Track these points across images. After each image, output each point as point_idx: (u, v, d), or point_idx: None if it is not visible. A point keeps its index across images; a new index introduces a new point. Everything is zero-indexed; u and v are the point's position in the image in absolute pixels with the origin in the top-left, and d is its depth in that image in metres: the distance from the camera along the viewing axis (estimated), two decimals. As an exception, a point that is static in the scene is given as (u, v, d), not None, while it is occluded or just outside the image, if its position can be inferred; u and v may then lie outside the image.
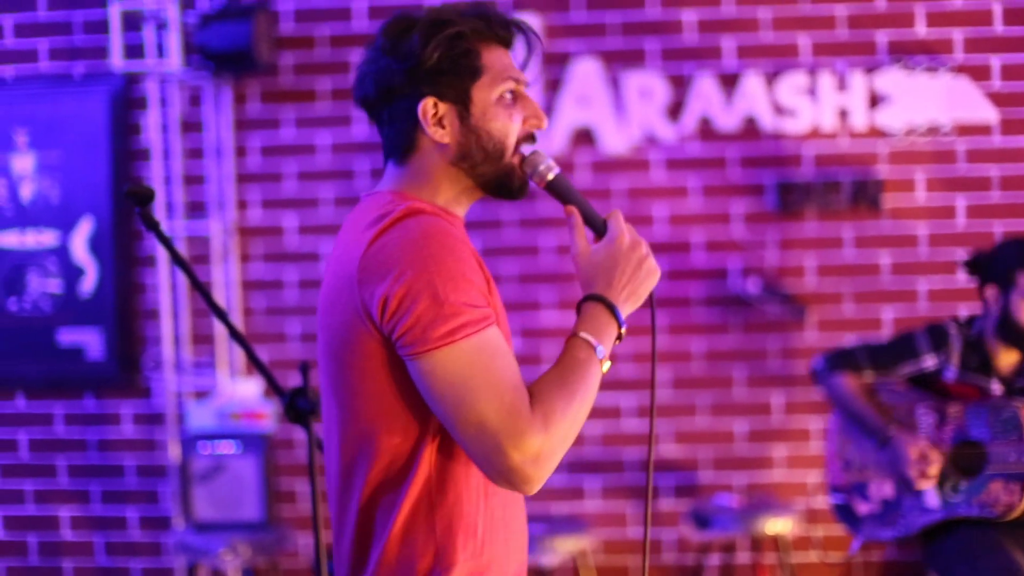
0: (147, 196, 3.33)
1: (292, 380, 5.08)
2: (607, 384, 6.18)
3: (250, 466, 6.03)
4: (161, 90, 6.43)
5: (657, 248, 6.14)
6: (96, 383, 6.53)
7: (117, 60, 6.20)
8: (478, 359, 2.38)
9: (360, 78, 2.63)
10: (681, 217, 6.26)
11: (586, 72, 6.23)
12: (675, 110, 6.24)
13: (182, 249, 6.37)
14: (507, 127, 2.59)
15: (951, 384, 4.90)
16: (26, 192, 6.53)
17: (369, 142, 6.37)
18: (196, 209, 6.48)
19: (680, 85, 6.24)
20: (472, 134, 2.57)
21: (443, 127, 2.57)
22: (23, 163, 6.52)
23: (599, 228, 2.61)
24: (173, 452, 6.36)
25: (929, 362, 4.92)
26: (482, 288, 2.44)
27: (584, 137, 6.28)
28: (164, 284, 6.42)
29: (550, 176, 2.62)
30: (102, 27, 6.40)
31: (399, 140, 2.61)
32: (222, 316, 3.48)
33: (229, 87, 6.41)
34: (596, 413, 6.23)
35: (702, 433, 6.28)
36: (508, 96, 2.60)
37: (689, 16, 6.23)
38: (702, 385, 6.27)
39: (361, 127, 6.36)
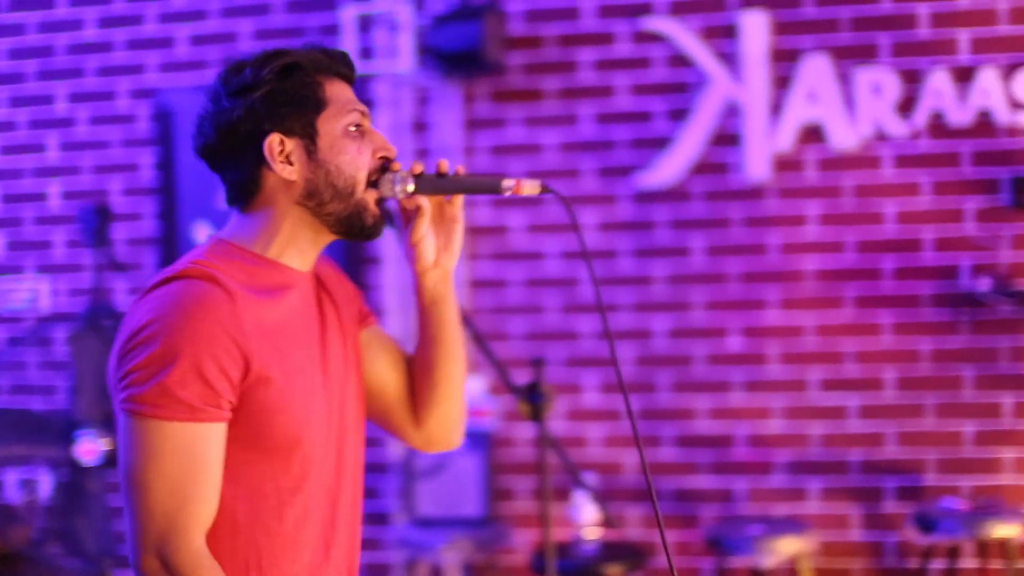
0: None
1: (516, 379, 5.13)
2: (832, 384, 6.17)
3: (473, 463, 6.10)
4: (391, 91, 6.55)
5: (886, 246, 6.11)
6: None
7: (350, 62, 6.29)
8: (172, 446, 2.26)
9: (199, 125, 2.50)
10: (911, 214, 6.15)
11: (816, 68, 6.17)
12: (906, 105, 6.14)
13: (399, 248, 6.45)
14: (356, 160, 2.47)
15: None
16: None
17: (596, 141, 6.39)
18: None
19: (912, 80, 6.14)
20: (321, 169, 2.45)
21: (291, 163, 2.45)
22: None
23: (495, 189, 2.54)
24: (395, 448, 6.44)
25: None
26: (217, 374, 2.28)
27: (813, 134, 6.21)
28: (391, 284, 6.54)
29: (409, 188, 2.51)
30: (333, 31, 6.54)
31: (244, 183, 2.48)
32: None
33: (458, 87, 6.49)
34: (818, 413, 6.20)
35: (928, 435, 6.16)
36: (354, 129, 2.49)
37: (922, 9, 6.13)
38: (929, 386, 6.15)
39: (588, 126, 6.39)
